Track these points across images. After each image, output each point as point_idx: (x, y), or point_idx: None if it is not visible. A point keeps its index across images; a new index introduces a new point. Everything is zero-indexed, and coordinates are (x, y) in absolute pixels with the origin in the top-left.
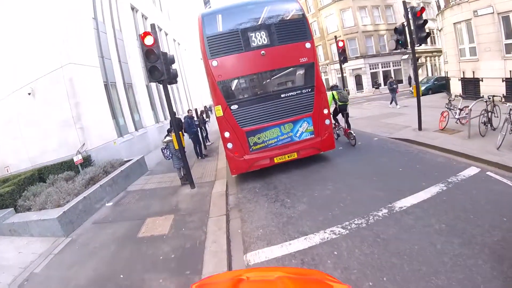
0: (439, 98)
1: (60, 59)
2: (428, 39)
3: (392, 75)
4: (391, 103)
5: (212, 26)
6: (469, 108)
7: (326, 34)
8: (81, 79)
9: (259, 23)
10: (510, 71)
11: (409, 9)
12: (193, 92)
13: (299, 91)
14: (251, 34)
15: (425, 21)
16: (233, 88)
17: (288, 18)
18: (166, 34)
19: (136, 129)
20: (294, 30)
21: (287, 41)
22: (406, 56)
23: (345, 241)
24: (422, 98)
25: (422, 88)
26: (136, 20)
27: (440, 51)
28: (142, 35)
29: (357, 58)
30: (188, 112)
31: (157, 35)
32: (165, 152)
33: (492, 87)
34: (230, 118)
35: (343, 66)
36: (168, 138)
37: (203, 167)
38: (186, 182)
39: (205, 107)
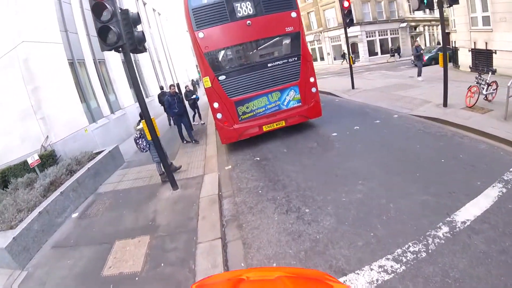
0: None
1: (13, 37)
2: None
3: (389, 44)
4: (419, 75)
5: None
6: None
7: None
8: (38, 59)
9: None
10: None
11: None
12: (178, 66)
13: (286, 60)
14: (236, 5)
15: None
16: (220, 59)
17: None
18: (145, 4)
19: (113, 112)
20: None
21: (273, 11)
22: (404, 24)
23: (403, 284)
24: (425, 68)
25: (425, 57)
26: None
27: (438, 20)
28: None
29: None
30: (170, 88)
31: None
32: (139, 142)
33: (507, 61)
34: (218, 88)
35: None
36: (141, 125)
37: (188, 155)
38: (167, 180)
39: (192, 80)
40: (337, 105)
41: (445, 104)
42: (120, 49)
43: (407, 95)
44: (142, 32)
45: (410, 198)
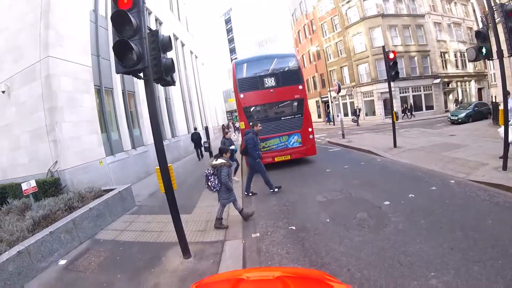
0: (486, 125)
1: (40, 49)
2: (460, 62)
3: (423, 101)
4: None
5: (241, 72)
6: None
7: (353, 54)
8: (62, 78)
9: (269, 72)
10: None
11: (496, 7)
12: (209, 110)
13: (293, 116)
14: (264, 79)
15: None
16: (251, 112)
17: (288, 69)
18: (183, 45)
19: (134, 147)
20: (292, 76)
21: (287, 84)
22: (438, 80)
23: None
24: (464, 126)
25: (462, 114)
26: (148, 23)
27: (471, 75)
28: None
29: (385, 80)
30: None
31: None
32: (211, 179)
33: None
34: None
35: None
36: (220, 160)
37: (208, 210)
38: (222, 226)
39: (222, 125)
40: (381, 166)
41: (504, 167)
42: (142, 74)
43: (458, 157)
44: (172, 60)
45: None
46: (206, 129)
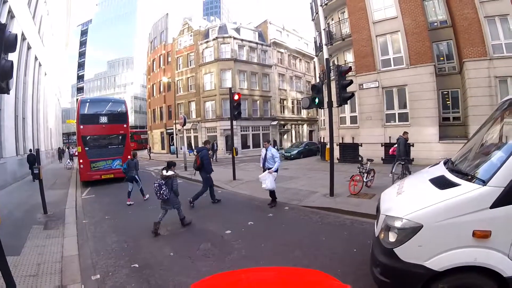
0: (314, 161)
1: None
2: (296, 109)
3: (261, 139)
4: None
5: (84, 108)
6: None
7: (202, 91)
8: None
9: (104, 112)
10: (390, 137)
11: (333, 67)
12: (44, 131)
13: (117, 146)
14: (100, 116)
15: (351, 81)
16: (87, 140)
17: (118, 111)
18: (29, 48)
19: None
20: (120, 117)
21: (116, 122)
22: (275, 122)
23: None
24: (296, 161)
25: (295, 151)
26: None
27: (304, 120)
28: None
29: (229, 119)
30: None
31: None
32: (163, 189)
33: (371, 151)
34: (83, 153)
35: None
36: (170, 172)
37: (39, 251)
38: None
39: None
40: (222, 198)
41: (331, 193)
42: None
43: (291, 187)
44: (12, 63)
45: None
46: (37, 152)
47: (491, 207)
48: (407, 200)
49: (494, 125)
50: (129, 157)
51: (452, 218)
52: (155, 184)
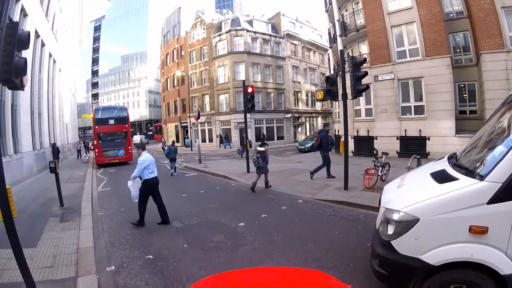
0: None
1: None
2: (310, 101)
3: (275, 132)
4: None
5: (98, 114)
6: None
7: (215, 84)
8: None
9: (112, 116)
10: (405, 130)
11: (347, 59)
12: (60, 126)
13: (121, 140)
14: (109, 119)
15: (366, 73)
16: (101, 135)
17: (122, 116)
18: (43, 45)
19: None
20: (123, 120)
21: (120, 123)
22: (289, 115)
23: None
24: (310, 154)
25: (308, 145)
26: (11, 13)
27: (319, 113)
28: None
29: (243, 112)
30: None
31: None
32: (259, 160)
33: (386, 144)
34: (98, 145)
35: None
36: (265, 147)
37: (55, 243)
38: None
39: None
40: (236, 190)
41: (345, 187)
42: None
43: (305, 180)
44: (25, 60)
45: None
46: (53, 146)
47: (488, 203)
48: (406, 193)
49: (500, 118)
50: (168, 144)
51: (449, 212)
52: (254, 157)
